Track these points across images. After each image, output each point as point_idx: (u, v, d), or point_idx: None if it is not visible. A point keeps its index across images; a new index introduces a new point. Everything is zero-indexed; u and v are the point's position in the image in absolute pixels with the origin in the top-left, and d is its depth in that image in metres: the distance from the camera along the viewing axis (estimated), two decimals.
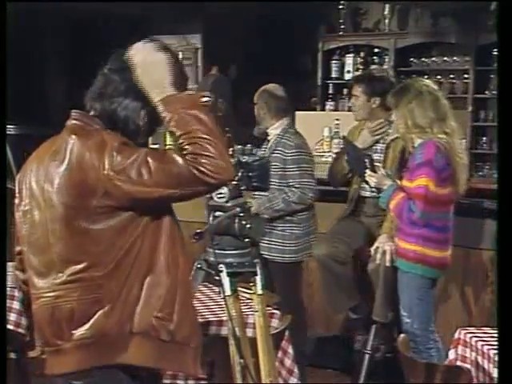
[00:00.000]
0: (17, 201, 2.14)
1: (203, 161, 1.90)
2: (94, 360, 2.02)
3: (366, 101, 4.16)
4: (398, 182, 3.60)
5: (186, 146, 1.93)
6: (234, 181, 2.18)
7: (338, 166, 4.30)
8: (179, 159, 1.91)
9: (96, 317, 2.00)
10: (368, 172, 3.70)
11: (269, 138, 4.27)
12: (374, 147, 4.17)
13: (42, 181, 2.06)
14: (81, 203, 1.98)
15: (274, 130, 4.24)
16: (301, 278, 4.39)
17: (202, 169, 1.90)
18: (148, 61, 2.04)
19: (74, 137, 2.02)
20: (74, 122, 2.08)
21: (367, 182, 3.76)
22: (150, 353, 2.04)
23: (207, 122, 1.96)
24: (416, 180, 3.40)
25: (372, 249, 3.83)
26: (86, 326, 2.01)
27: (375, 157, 4.15)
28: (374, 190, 3.73)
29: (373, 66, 7.32)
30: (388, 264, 3.71)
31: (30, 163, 2.13)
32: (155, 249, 2.04)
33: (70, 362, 2.04)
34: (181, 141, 1.94)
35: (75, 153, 1.99)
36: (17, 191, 2.14)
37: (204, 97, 2.11)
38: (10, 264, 2.52)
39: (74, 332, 2.01)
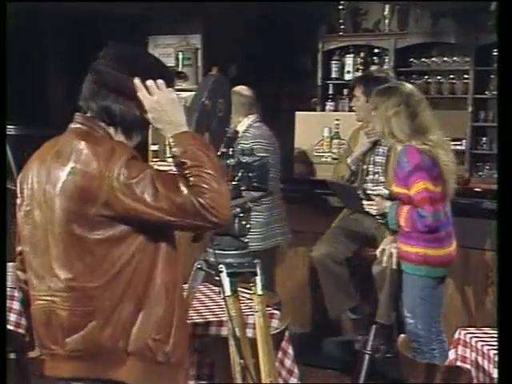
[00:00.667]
0: (19, 201, 2.13)
1: (206, 195, 1.94)
2: (87, 371, 2.02)
3: (365, 101, 4.16)
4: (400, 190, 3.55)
5: (193, 178, 1.96)
6: (227, 222, 2.17)
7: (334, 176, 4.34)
8: (185, 189, 1.94)
9: (87, 330, 2.00)
10: (365, 202, 3.66)
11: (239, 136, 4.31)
12: (376, 150, 4.16)
13: (43, 182, 2.05)
14: (80, 209, 1.97)
15: (241, 127, 4.31)
16: (273, 266, 4.39)
17: (203, 202, 1.93)
18: (164, 102, 2.05)
19: (82, 142, 2.01)
20: (79, 125, 2.08)
21: (368, 213, 3.73)
22: (145, 373, 2.04)
23: (214, 160, 2.03)
24: (413, 187, 3.37)
25: (378, 251, 3.81)
26: (78, 337, 2.00)
27: (377, 159, 4.15)
28: (378, 218, 3.68)
29: (374, 67, 7.30)
30: (395, 266, 3.71)
31: (32, 163, 2.12)
32: (153, 270, 2.04)
33: (64, 368, 2.05)
34: (187, 171, 1.97)
35: (82, 158, 1.98)
36: (18, 191, 2.14)
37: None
38: (9, 264, 2.52)
39: (67, 340, 2.01)
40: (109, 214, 1.96)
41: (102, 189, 1.94)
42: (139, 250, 2.01)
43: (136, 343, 2.02)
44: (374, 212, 3.64)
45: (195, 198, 1.93)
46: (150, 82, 2.05)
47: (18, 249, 2.21)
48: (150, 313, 2.03)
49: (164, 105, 2.05)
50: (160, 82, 2.06)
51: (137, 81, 2.05)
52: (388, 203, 3.55)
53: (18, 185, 2.14)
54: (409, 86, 3.61)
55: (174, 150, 2.03)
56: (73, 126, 2.09)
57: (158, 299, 2.04)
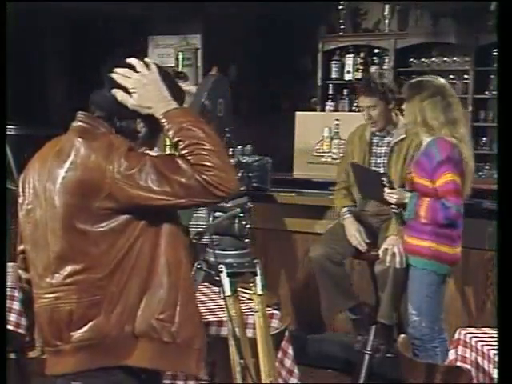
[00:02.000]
0: (20, 200, 2.14)
1: (211, 172, 1.93)
2: (94, 362, 2.02)
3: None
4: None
5: (193, 157, 1.94)
6: (236, 193, 2.17)
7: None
8: (189, 169, 1.93)
9: (95, 319, 2.00)
10: (387, 190, 3.63)
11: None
12: (379, 151, 4.13)
13: (44, 180, 2.06)
14: (82, 203, 1.98)
15: None
16: None
17: (209, 180, 1.93)
18: (146, 80, 2.04)
19: (79, 139, 2.02)
20: (80, 123, 2.08)
21: (385, 202, 3.66)
22: (154, 355, 2.04)
23: (212, 135, 2.00)
24: (441, 177, 3.39)
25: (380, 251, 3.80)
26: (85, 328, 2.00)
27: (379, 161, 4.13)
28: (393, 207, 3.64)
29: (374, 67, 7.30)
30: (398, 266, 3.70)
31: (33, 163, 2.13)
32: (156, 250, 2.04)
33: (69, 363, 2.04)
34: (186, 151, 1.95)
35: (80, 153, 1.99)
36: (20, 190, 2.14)
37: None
38: (9, 264, 2.52)
39: (72, 334, 2.01)
40: (113, 206, 1.97)
41: (105, 182, 1.95)
42: (142, 234, 2.02)
43: (141, 325, 2.02)
44: (392, 201, 3.60)
45: (199, 175, 1.92)
46: (130, 60, 2.06)
47: (20, 248, 2.22)
48: (154, 293, 2.03)
49: (148, 82, 2.04)
50: (137, 61, 2.06)
51: (116, 70, 2.05)
52: (408, 194, 3.56)
53: (20, 184, 2.14)
54: (442, 80, 3.68)
55: (167, 128, 2.00)
56: (74, 124, 2.10)
57: (161, 279, 2.04)
